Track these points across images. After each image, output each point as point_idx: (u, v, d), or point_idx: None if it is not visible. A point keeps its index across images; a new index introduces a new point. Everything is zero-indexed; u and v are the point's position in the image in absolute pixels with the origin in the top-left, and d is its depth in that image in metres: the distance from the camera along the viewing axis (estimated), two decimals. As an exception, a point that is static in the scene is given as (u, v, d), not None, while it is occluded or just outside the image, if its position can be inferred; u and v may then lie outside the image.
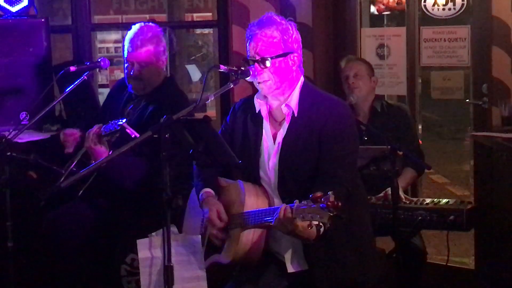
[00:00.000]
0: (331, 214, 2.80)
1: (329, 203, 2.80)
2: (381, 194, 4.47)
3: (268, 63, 3.23)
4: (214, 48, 11.01)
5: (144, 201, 4.11)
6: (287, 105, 3.29)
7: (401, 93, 5.68)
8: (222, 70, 3.28)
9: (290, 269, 3.30)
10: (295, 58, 3.29)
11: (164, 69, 4.43)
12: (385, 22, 6.16)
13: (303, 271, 3.30)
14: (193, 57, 11.31)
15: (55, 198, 4.00)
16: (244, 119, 3.44)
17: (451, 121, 10.11)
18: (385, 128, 4.54)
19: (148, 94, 4.32)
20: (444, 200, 4.48)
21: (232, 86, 3.25)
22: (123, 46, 4.31)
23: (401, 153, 4.10)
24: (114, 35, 17.74)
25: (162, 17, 17.79)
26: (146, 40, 4.24)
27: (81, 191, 4.22)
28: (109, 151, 4.01)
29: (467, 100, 5.43)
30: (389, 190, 4.42)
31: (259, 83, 3.28)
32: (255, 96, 3.40)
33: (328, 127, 3.22)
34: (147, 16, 19.67)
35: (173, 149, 3.00)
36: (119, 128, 3.95)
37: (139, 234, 3.98)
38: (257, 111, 3.39)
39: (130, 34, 4.28)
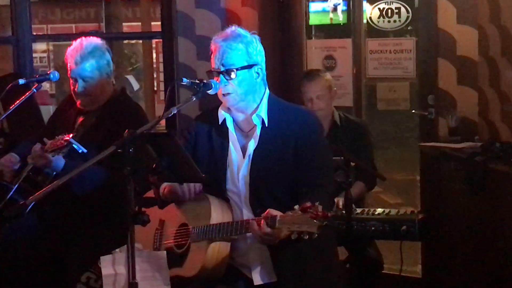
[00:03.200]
0: (321, 224, 2.82)
1: (319, 214, 2.83)
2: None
3: (233, 75, 3.22)
4: (143, 58, 10.95)
5: (103, 217, 4.03)
6: (257, 115, 3.28)
7: (348, 104, 5.73)
8: (184, 83, 3.23)
9: (258, 281, 3.28)
10: (260, 70, 3.30)
11: (112, 82, 4.30)
12: (331, 34, 6.21)
13: (270, 283, 3.28)
14: (131, 68, 11.26)
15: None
16: (208, 131, 3.41)
17: (397, 132, 10.27)
18: (343, 141, 4.55)
19: (100, 109, 4.21)
20: (394, 210, 4.54)
21: (194, 99, 3.21)
22: (66, 62, 4.21)
23: (353, 164, 4.13)
24: (39, 45, 17.42)
25: (91, 26, 17.58)
26: (86, 55, 4.12)
27: (30, 205, 4.11)
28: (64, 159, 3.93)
29: (413, 111, 5.52)
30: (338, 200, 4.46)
31: (223, 95, 3.27)
32: (219, 108, 3.38)
33: (303, 138, 3.24)
34: (73, 25, 19.42)
35: (137, 164, 2.95)
36: (65, 144, 3.88)
37: (94, 252, 3.94)
38: (220, 122, 3.37)
39: (70, 49, 4.16)
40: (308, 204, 2.85)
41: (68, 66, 4.15)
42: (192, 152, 3.38)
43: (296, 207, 2.89)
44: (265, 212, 3.01)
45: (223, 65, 3.23)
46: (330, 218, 2.86)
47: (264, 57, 3.34)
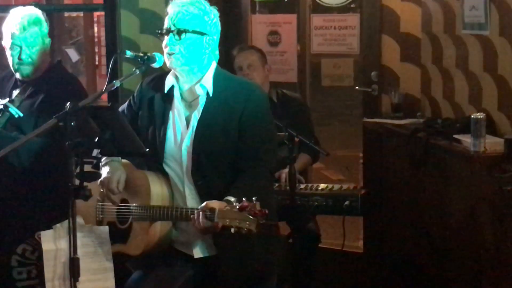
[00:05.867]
0: (260, 222, 2.85)
1: (256, 212, 2.85)
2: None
3: (182, 35, 3.19)
4: (84, 32, 10.76)
5: (42, 190, 3.98)
6: (201, 85, 3.25)
7: (292, 80, 5.74)
8: (128, 56, 3.19)
9: (198, 254, 3.29)
10: (211, 42, 3.26)
11: (49, 54, 4.29)
12: (276, 9, 6.21)
13: (210, 257, 3.29)
14: (71, 41, 11.12)
15: None
16: (152, 98, 3.37)
17: (340, 108, 10.33)
18: (281, 117, 4.55)
19: (35, 80, 4.17)
20: (338, 186, 4.57)
21: (138, 72, 3.17)
22: (5, 31, 4.14)
23: (297, 139, 4.14)
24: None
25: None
26: (32, 22, 4.10)
27: None
28: None
29: (357, 87, 5.55)
30: (282, 172, 4.47)
31: (168, 54, 3.22)
32: (168, 74, 3.33)
33: (248, 111, 3.22)
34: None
35: (78, 137, 2.91)
36: (2, 107, 3.89)
37: (30, 225, 3.89)
38: (166, 90, 3.33)
39: (14, 17, 4.11)
40: (246, 203, 2.85)
41: (11, 35, 4.09)
42: (133, 118, 3.36)
43: (233, 199, 2.93)
44: (204, 204, 3.00)
45: (174, 25, 3.20)
46: (268, 215, 2.88)
47: (219, 34, 3.31)
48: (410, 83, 5.17)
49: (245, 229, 2.85)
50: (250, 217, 2.84)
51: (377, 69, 5.29)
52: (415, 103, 5.13)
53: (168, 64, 3.26)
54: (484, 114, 3.91)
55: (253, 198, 2.87)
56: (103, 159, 3.28)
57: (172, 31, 3.20)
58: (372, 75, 5.30)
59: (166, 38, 3.22)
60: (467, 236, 4.00)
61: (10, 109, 3.85)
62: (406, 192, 4.70)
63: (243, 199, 2.88)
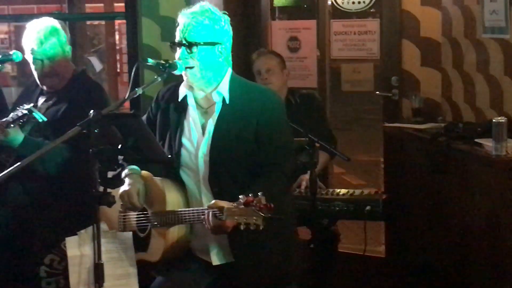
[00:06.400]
0: (265, 216, 2.87)
1: (262, 206, 2.88)
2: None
3: (194, 49, 3.20)
4: (106, 40, 10.86)
5: (67, 198, 4.02)
6: (218, 92, 3.27)
7: (312, 86, 5.75)
8: (150, 64, 3.21)
9: (216, 261, 3.30)
10: (223, 50, 3.27)
11: (71, 61, 4.34)
12: (295, 15, 6.22)
13: (228, 263, 3.30)
14: (93, 50, 11.22)
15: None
16: (167, 108, 3.40)
17: (361, 113, 10.32)
18: (299, 118, 4.56)
19: (60, 89, 4.21)
20: (359, 191, 4.57)
21: (159, 79, 3.20)
22: (25, 46, 4.19)
23: (318, 145, 4.15)
24: (1, 27, 17.14)
25: (53, 7, 17.31)
26: (48, 34, 4.14)
27: None
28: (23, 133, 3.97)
29: (377, 92, 5.56)
30: (302, 179, 4.49)
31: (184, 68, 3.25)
32: (181, 85, 3.36)
33: (265, 117, 3.24)
34: (35, 6, 19.13)
35: (102, 144, 2.94)
36: (26, 112, 3.91)
37: (57, 234, 3.93)
38: (180, 99, 3.35)
39: (30, 31, 4.15)
40: (251, 198, 2.89)
41: (31, 49, 4.13)
42: (153, 128, 3.38)
43: (241, 197, 2.93)
44: (212, 202, 3.04)
45: (185, 38, 3.21)
46: (275, 209, 2.90)
47: (231, 38, 3.32)
48: (430, 88, 5.18)
49: (253, 224, 2.88)
50: (255, 212, 2.87)
51: (397, 73, 5.30)
52: (436, 107, 5.13)
53: (184, 79, 3.29)
54: (506, 118, 3.90)
55: (259, 193, 2.90)
56: (124, 171, 3.31)
57: (183, 45, 3.22)
58: (393, 79, 5.31)
59: (178, 50, 3.24)
60: (488, 240, 4.00)
61: (34, 113, 3.90)
62: (427, 196, 4.69)
63: (249, 194, 2.91)
